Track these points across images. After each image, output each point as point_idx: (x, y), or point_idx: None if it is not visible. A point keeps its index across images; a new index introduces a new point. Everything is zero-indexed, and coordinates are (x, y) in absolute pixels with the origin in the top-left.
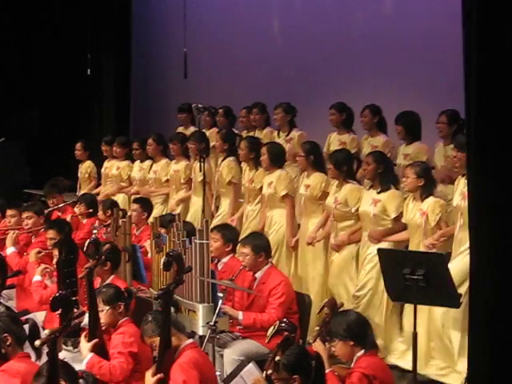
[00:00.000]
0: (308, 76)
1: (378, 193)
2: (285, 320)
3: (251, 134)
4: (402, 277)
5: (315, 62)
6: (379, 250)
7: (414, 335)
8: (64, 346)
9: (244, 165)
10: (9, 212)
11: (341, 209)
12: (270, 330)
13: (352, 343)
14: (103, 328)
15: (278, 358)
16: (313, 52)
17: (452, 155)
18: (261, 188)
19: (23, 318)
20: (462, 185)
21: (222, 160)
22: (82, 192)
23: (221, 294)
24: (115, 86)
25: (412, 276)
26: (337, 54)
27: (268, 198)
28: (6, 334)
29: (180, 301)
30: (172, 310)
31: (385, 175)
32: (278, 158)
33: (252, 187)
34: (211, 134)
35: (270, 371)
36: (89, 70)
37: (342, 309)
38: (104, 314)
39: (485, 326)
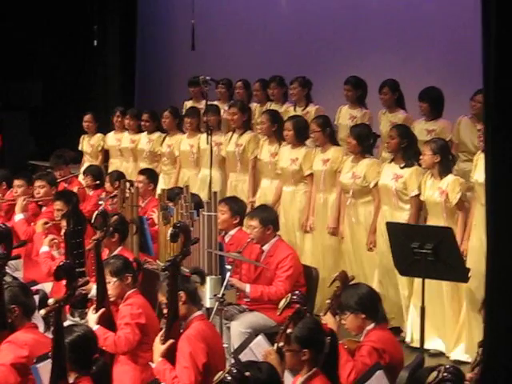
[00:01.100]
0: (319, 49)
1: (402, 168)
2: (297, 292)
3: (265, 107)
4: (410, 251)
5: (328, 35)
6: (388, 224)
7: (422, 309)
8: (71, 317)
9: (262, 139)
10: (16, 182)
11: (360, 184)
12: (282, 303)
13: (363, 316)
14: (111, 299)
15: (289, 330)
16: (326, 25)
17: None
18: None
19: (34, 289)
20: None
21: (240, 134)
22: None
23: (229, 267)
24: (120, 58)
25: (420, 250)
26: (351, 28)
27: (292, 174)
28: (13, 305)
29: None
30: (197, 279)
31: (408, 150)
32: (303, 133)
33: (275, 161)
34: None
35: (281, 343)
36: (95, 42)
37: (352, 282)
38: (111, 285)
39: (503, 308)
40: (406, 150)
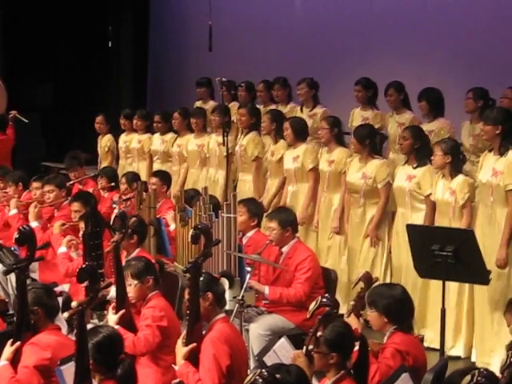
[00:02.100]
0: (331, 51)
1: (414, 168)
2: (326, 295)
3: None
4: (431, 253)
5: (340, 38)
6: (408, 226)
7: (443, 311)
8: (90, 319)
9: (266, 139)
10: (34, 184)
11: (371, 184)
12: (312, 305)
13: (386, 320)
14: (131, 302)
15: (319, 333)
16: (337, 28)
17: (481, 129)
18: (279, 160)
19: (57, 291)
20: (491, 160)
21: (245, 135)
22: (102, 166)
23: (249, 269)
24: (134, 59)
25: (441, 252)
26: (360, 30)
27: (295, 172)
28: (36, 307)
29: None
30: (226, 282)
31: (421, 150)
32: (301, 132)
33: (273, 160)
34: (231, 108)
35: (310, 346)
36: (110, 43)
37: (376, 283)
38: (132, 287)
39: None
40: (420, 151)
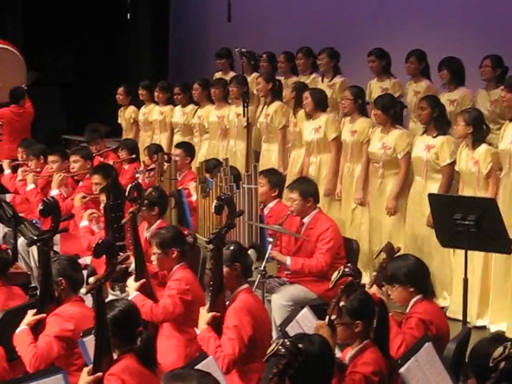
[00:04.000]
0: (351, 22)
1: (434, 137)
2: (349, 265)
3: (290, 79)
4: (452, 222)
5: (359, 9)
6: (430, 196)
7: (465, 281)
8: (111, 291)
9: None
10: (51, 158)
11: (390, 154)
12: (335, 275)
13: (412, 289)
14: (154, 270)
15: (342, 303)
16: None
17: (501, 96)
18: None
19: (82, 264)
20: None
21: (268, 104)
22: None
23: (270, 239)
24: (153, 31)
25: (463, 221)
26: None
27: (317, 143)
28: (60, 278)
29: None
30: (253, 253)
31: (439, 119)
32: (321, 103)
33: (296, 130)
34: (252, 79)
35: (333, 316)
36: (129, 15)
37: (398, 253)
38: (155, 256)
39: None
40: (438, 120)
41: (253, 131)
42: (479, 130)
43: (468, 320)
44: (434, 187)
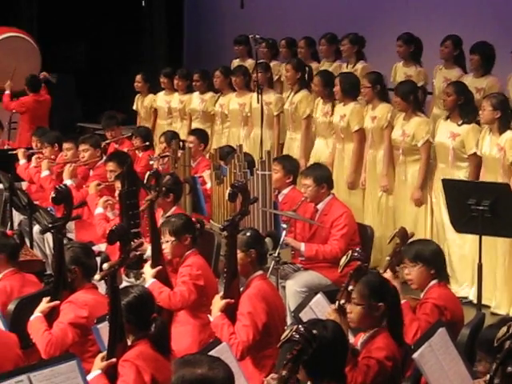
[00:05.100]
0: (373, 5)
1: (459, 125)
2: (357, 249)
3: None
4: (467, 207)
5: None
6: (444, 181)
7: (479, 266)
8: (126, 278)
9: (316, 98)
10: (65, 145)
11: (409, 142)
12: (343, 260)
13: (433, 271)
14: (167, 258)
15: (350, 287)
16: None
17: None
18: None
19: (96, 251)
20: None
21: (295, 92)
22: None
23: (284, 226)
24: (168, 17)
25: (477, 207)
26: None
27: (341, 130)
28: (74, 266)
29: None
30: (270, 242)
31: (465, 107)
32: (351, 89)
33: (329, 120)
34: (273, 67)
35: (342, 301)
36: (143, 2)
37: (412, 239)
38: (169, 244)
39: None
40: (463, 107)
41: (281, 119)
42: (506, 115)
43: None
44: (459, 175)
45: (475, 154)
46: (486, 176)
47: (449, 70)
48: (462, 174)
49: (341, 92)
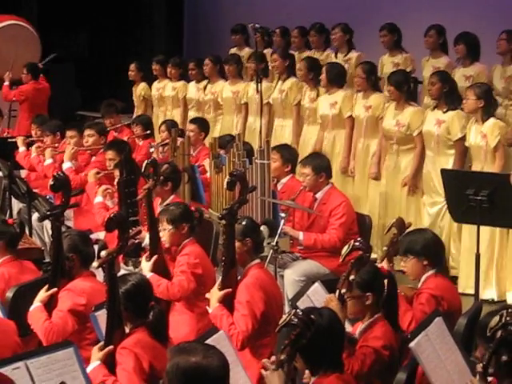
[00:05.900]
0: None
1: (444, 112)
2: (359, 239)
3: (304, 54)
4: (465, 197)
5: None
6: (442, 171)
7: (477, 256)
8: (125, 266)
9: (304, 85)
10: (68, 133)
11: (404, 132)
12: (345, 249)
13: (426, 262)
14: (165, 246)
15: (352, 277)
16: None
17: None
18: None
19: (94, 239)
20: None
21: (284, 80)
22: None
23: (283, 215)
24: (167, 7)
25: (476, 197)
26: None
27: (332, 118)
28: (72, 254)
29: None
30: (265, 230)
31: (450, 95)
32: (337, 78)
33: (314, 106)
34: (266, 54)
35: (343, 290)
36: None
37: (409, 229)
38: (166, 232)
39: None
40: (448, 95)
41: (273, 108)
42: (489, 104)
43: None
44: (445, 161)
45: (461, 139)
46: (473, 166)
47: (436, 59)
48: (447, 160)
49: (326, 80)
